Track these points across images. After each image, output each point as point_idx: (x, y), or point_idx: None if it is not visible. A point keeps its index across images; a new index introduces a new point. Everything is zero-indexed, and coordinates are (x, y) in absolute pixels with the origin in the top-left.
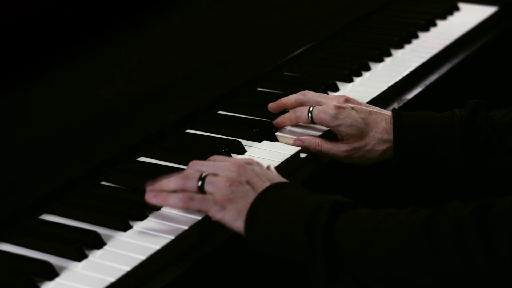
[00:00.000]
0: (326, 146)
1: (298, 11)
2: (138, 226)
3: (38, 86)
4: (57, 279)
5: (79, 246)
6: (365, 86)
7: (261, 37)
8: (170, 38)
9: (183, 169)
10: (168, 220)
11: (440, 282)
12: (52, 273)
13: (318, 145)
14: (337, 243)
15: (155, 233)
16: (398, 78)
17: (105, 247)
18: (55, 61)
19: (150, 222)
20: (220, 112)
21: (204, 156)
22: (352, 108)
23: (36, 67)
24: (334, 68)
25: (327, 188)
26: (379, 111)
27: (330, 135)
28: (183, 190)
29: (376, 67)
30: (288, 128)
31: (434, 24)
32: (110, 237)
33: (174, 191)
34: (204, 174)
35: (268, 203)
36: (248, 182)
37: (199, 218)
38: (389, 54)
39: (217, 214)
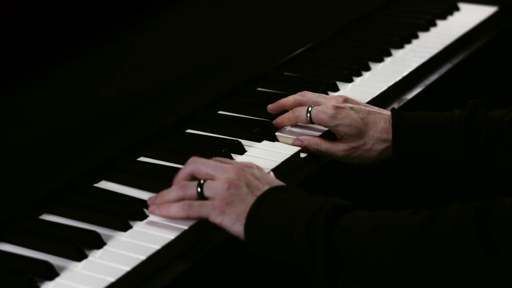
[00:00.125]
0: (325, 145)
1: (298, 11)
2: (138, 226)
3: (38, 86)
4: (57, 279)
5: (79, 246)
6: (365, 86)
7: (261, 37)
8: (170, 38)
9: None
10: (168, 220)
11: (440, 282)
12: (52, 273)
13: (317, 145)
14: (336, 246)
15: (155, 233)
16: (398, 78)
17: (105, 247)
18: (55, 61)
19: (150, 222)
20: (220, 112)
21: (204, 156)
22: (351, 108)
23: (36, 67)
24: (334, 68)
25: (327, 188)
26: (378, 110)
27: (329, 135)
28: (184, 199)
29: (376, 67)
30: (288, 128)
31: (434, 24)
32: (110, 237)
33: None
34: (202, 181)
35: (267, 206)
36: (247, 185)
37: None
38: (389, 54)
39: (216, 219)
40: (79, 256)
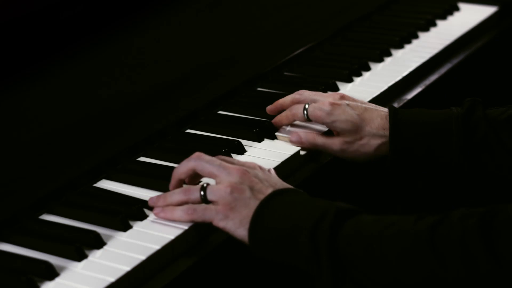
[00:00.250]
0: (321, 139)
1: (298, 11)
2: (138, 226)
3: (38, 86)
4: (57, 279)
5: (79, 246)
6: (365, 86)
7: (261, 37)
8: (170, 38)
9: None
10: (168, 220)
11: None
12: (52, 273)
13: (313, 139)
14: (341, 250)
15: (155, 233)
16: (398, 78)
17: (105, 247)
18: (55, 61)
19: (150, 222)
20: (220, 112)
21: None
22: (347, 104)
23: (36, 67)
24: (334, 68)
25: (327, 188)
26: (374, 107)
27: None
28: (187, 203)
29: (376, 67)
30: (288, 128)
31: (434, 24)
32: (110, 237)
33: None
34: (205, 184)
35: (271, 210)
36: (250, 189)
37: None
38: (389, 54)
39: (220, 223)
40: (79, 256)
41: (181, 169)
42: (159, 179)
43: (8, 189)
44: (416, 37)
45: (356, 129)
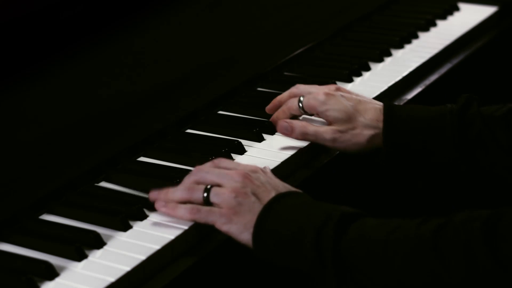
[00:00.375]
0: (312, 128)
1: (298, 11)
2: (138, 226)
3: (38, 86)
4: (57, 279)
5: (79, 246)
6: (365, 86)
7: (261, 37)
8: (170, 38)
9: (183, 169)
10: (168, 220)
11: None
12: (52, 273)
13: (304, 127)
14: (346, 254)
15: (155, 233)
16: (398, 78)
17: (105, 247)
18: (55, 61)
19: (150, 222)
20: (220, 112)
21: (204, 156)
22: (342, 95)
23: (36, 67)
24: (334, 68)
25: (328, 188)
26: (369, 100)
27: None
28: (189, 201)
29: (376, 67)
30: None
31: (434, 24)
32: (110, 237)
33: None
34: (209, 186)
35: (275, 214)
36: (253, 193)
37: None
38: (389, 54)
39: (223, 227)
40: (79, 256)
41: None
42: (159, 179)
43: (8, 189)
44: (416, 37)
45: (349, 119)
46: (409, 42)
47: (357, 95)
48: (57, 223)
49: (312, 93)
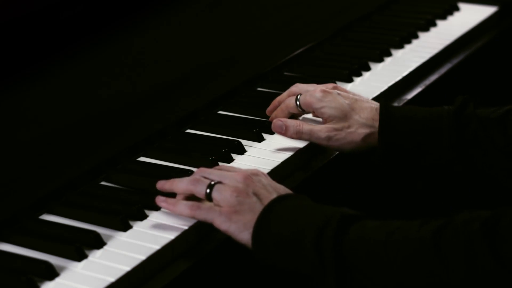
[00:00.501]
0: (307, 127)
1: (298, 11)
2: (138, 226)
3: (38, 86)
4: (57, 279)
5: (79, 246)
6: (365, 86)
7: (261, 37)
8: (170, 38)
9: (183, 169)
10: (168, 220)
11: None
12: (52, 273)
13: (299, 126)
14: (346, 256)
15: (155, 233)
16: (398, 78)
17: (105, 247)
18: (55, 61)
19: (150, 222)
20: (220, 112)
21: (204, 156)
22: (339, 93)
23: (36, 67)
24: (334, 68)
25: (328, 188)
26: (366, 100)
27: None
28: (191, 194)
29: (376, 67)
30: None
31: (434, 24)
32: (110, 237)
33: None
34: (213, 182)
35: (275, 215)
36: (255, 194)
37: None
38: (389, 54)
39: (222, 225)
40: (79, 256)
41: (183, 184)
42: (159, 179)
43: (8, 189)
44: (416, 37)
45: (344, 117)
46: (409, 42)
47: (354, 94)
48: (57, 223)
49: (309, 91)
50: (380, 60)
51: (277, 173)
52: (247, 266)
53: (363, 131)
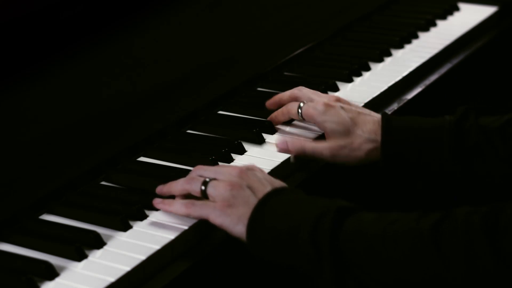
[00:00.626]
0: (310, 144)
1: (298, 11)
2: (138, 226)
3: (38, 86)
4: (57, 279)
5: (79, 246)
6: (365, 86)
7: (261, 37)
8: (170, 38)
9: (183, 169)
10: (168, 220)
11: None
12: (52, 273)
13: (301, 146)
14: (343, 248)
15: (155, 233)
16: (398, 78)
17: (105, 247)
18: (55, 61)
19: (150, 222)
20: (220, 112)
21: (204, 156)
22: (341, 107)
23: (36, 67)
24: (334, 68)
25: (328, 188)
26: (368, 113)
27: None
28: (188, 193)
29: (376, 67)
30: (288, 128)
31: (434, 24)
32: (110, 237)
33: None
34: (208, 179)
35: (270, 208)
36: (249, 187)
37: None
38: (389, 54)
39: (217, 219)
40: (79, 256)
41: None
42: (159, 179)
43: (8, 189)
44: (416, 37)
45: (347, 131)
46: (409, 42)
47: (356, 106)
48: (57, 223)
49: (312, 101)
50: (380, 60)
51: (277, 173)
52: (247, 266)
53: (366, 146)
